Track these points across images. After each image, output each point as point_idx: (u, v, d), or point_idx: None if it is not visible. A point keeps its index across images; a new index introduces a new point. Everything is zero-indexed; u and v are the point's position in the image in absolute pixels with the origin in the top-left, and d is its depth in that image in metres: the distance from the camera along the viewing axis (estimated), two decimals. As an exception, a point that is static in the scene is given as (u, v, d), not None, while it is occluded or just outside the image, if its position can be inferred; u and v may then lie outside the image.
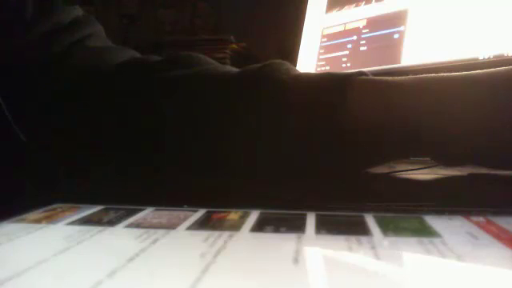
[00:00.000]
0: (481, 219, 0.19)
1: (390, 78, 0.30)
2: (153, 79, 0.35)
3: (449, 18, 0.58)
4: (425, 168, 0.36)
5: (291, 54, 0.80)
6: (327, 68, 0.74)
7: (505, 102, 0.27)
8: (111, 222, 0.20)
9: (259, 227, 0.19)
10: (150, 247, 0.16)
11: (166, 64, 0.37)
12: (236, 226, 0.19)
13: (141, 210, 0.22)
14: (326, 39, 0.77)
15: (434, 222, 0.19)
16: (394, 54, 0.63)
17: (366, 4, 0.71)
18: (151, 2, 1.35)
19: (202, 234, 0.18)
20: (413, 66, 0.61)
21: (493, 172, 0.32)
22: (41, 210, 0.22)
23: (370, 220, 0.19)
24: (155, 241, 0.17)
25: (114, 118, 0.35)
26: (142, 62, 0.39)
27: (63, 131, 0.36)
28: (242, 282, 0.13)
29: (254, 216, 0.20)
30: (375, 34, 0.68)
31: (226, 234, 0.18)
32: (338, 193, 0.28)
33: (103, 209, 0.22)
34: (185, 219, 0.20)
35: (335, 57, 0.73)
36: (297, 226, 0.18)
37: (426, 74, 0.30)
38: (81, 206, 0.23)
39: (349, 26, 0.73)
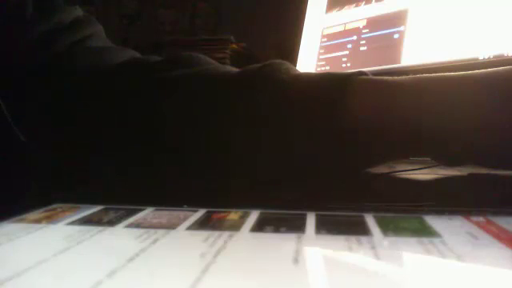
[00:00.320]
0: (481, 219, 0.19)
1: (389, 78, 0.30)
2: (153, 79, 0.35)
3: (449, 18, 0.58)
4: (425, 168, 0.36)
5: (291, 54, 0.80)
6: (327, 68, 0.74)
7: (504, 101, 0.27)
8: (111, 222, 0.20)
9: (259, 227, 0.19)
10: (150, 247, 0.16)
11: (166, 64, 0.37)
12: (236, 226, 0.19)
13: (141, 210, 0.22)
14: (325, 39, 0.77)
15: (434, 222, 0.19)
16: (394, 54, 0.63)
17: (365, 4, 0.71)
18: (151, 2, 1.35)
19: (202, 233, 0.18)
20: (413, 66, 0.61)
21: (493, 172, 0.32)
22: (41, 210, 0.22)
23: (370, 220, 0.19)
24: (155, 241, 0.17)
25: (114, 117, 0.35)
26: (142, 62, 0.39)
27: (63, 131, 0.36)
28: (242, 281, 0.13)
29: (253, 216, 0.20)
30: (375, 34, 0.68)
31: (225, 233, 0.18)
32: (338, 193, 0.28)
33: (103, 209, 0.22)
34: (185, 219, 0.20)
35: (335, 57, 0.73)
36: (297, 226, 0.18)
37: (425, 74, 0.30)
38: (81, 206, 0.23)
39: (349, 26, 0.73)
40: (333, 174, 0.30)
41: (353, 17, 0.72)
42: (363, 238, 0.17)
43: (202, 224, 0.19)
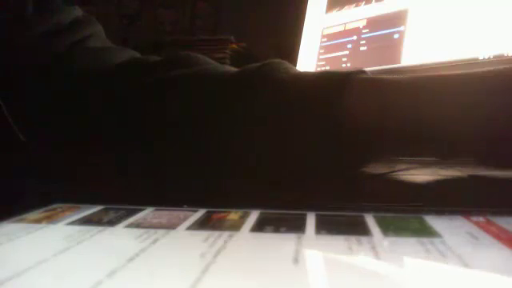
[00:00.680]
0: (481, 219, 0.19)
1: (388, 77, 0.30)
2: (152, 79, 0.35)
3: (449, 18, 0.58)
4: (425, 168, 0.36)
5: (291, 54, 0.80)
6: (327, 68, 0.74)
7: (503, 100, 0.27)
8: (111, 222, 0.20)
9: (259, 227, 0.19)
10: (150, 247, 0.16)
11: (165, 64, 0.37)
12: (236, 226, 0.19)
13: (141, 210, 0.22)
14: (325, 39, 0.77)
15: (434, 222, 0.19)
16: (393, 54, 0.63)
17: (365, 4, 0.71)
18: (151, 2, 1.35)
19: (202, 234, 0.18)
20: (413, 66, 0.61)
21: (493, 172, 0.32)
22: (41, 210, 0.22)
23: (370, 220, 0.19)
24: (155, 241, 0.17)
25: (114, 118, 0.35)
26: (142, 62, 0.39)
27: (63, 131, 0.36)
28: (242, 281, 0.13)
29: (253, 216, 0.20)
30: (375, 33, 0.68)
31: (225, 234, 0.18)
32: (338, 193, 0.28)
33: (103, 209, 0.22)
34: (185, 219, 0.20)
35: (335, 57, 0.73)
36: (297, 226, 0.18)
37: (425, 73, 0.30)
38: (81, 206, 0.23)
39: (349, 26, 0.73)
40: (332, 174, 0.30)
41: (353, 17, 0.72)
42: (363, 238, 0.17)
43: (202, 224, 0.19)
